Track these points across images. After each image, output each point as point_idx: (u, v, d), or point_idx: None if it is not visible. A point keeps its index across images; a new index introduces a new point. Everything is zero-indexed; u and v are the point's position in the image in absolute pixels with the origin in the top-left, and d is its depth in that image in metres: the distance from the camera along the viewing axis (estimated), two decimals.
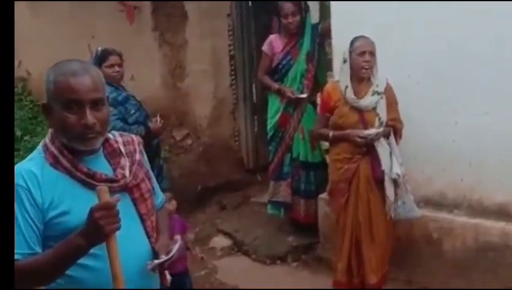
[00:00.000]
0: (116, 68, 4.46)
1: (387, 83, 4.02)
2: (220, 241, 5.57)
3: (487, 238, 4.12)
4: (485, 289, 4.05)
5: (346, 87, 3.98)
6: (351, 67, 3.97)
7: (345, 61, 4.02)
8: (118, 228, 1.82)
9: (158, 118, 4.62)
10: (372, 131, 3.90)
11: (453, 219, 4.28)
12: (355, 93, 3.98)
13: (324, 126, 4.17)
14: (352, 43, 3.97)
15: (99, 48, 4.53)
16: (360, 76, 3.96)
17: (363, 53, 3.91)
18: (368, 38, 3.94)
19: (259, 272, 5.03)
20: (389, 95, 4.02)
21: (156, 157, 4.60)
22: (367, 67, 3.92)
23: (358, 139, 3.91)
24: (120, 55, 4.54)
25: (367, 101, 3.97)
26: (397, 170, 3.89)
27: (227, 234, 5.63)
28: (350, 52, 3.96)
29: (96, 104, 1.94)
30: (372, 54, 3.92)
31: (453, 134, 4.20)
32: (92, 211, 1.79)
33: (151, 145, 4.47)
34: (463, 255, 4.23)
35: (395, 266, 4.25)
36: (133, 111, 4.43)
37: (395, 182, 3.92)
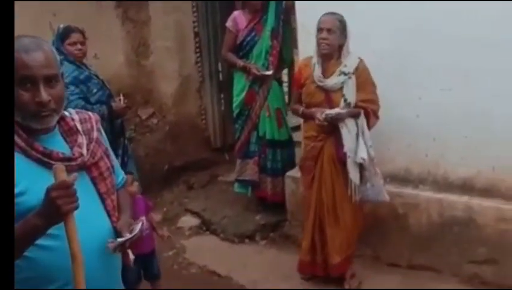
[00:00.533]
0: (79, 46, 4.36)
1: (361, 63, 3.94)
2: (188, 221, 5.56)
3: (452, 213, 4.17)
4: None
5: (314, 64, 3.95)
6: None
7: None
8: (76, 208, 1.78)
9: (121, 98, 4.53)
10: (332, 111, 3.82)
11: (418, 194, 4.32)
12: (323, 72, 3.94)
13: (298, 102, 4.14)
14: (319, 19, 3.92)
15: (61, 25, 4.43)
16: (321, 52, 3.92)
17: (320, 30, 3.87)
18: (332, 14, 3.88)
19: (228, 251, 5.04)
20: (361, 76, 3.93)
21: (121, 137, 4.54)
22: (323, 44, 3.88)
23: (317, 121, 3.87)
24: (83, 33, 4.43)
25: (333, 80, 3.91)
26: (363, 153, 3.83)
27: (195, 214, 5.62)
28: (316, 29, 3.93)
29: (50, 80, 1.88)
30: (331, 31, 3.84)
31: (417, 109, 4.21)
32: (48, 191, 1.74)
33: (115, 124, 4.41)
34: (428, 229, 4.29)
35: (361, 243, 4.28)
36: (95, 90, 4.32)
37: (361, 165, 3.89)
